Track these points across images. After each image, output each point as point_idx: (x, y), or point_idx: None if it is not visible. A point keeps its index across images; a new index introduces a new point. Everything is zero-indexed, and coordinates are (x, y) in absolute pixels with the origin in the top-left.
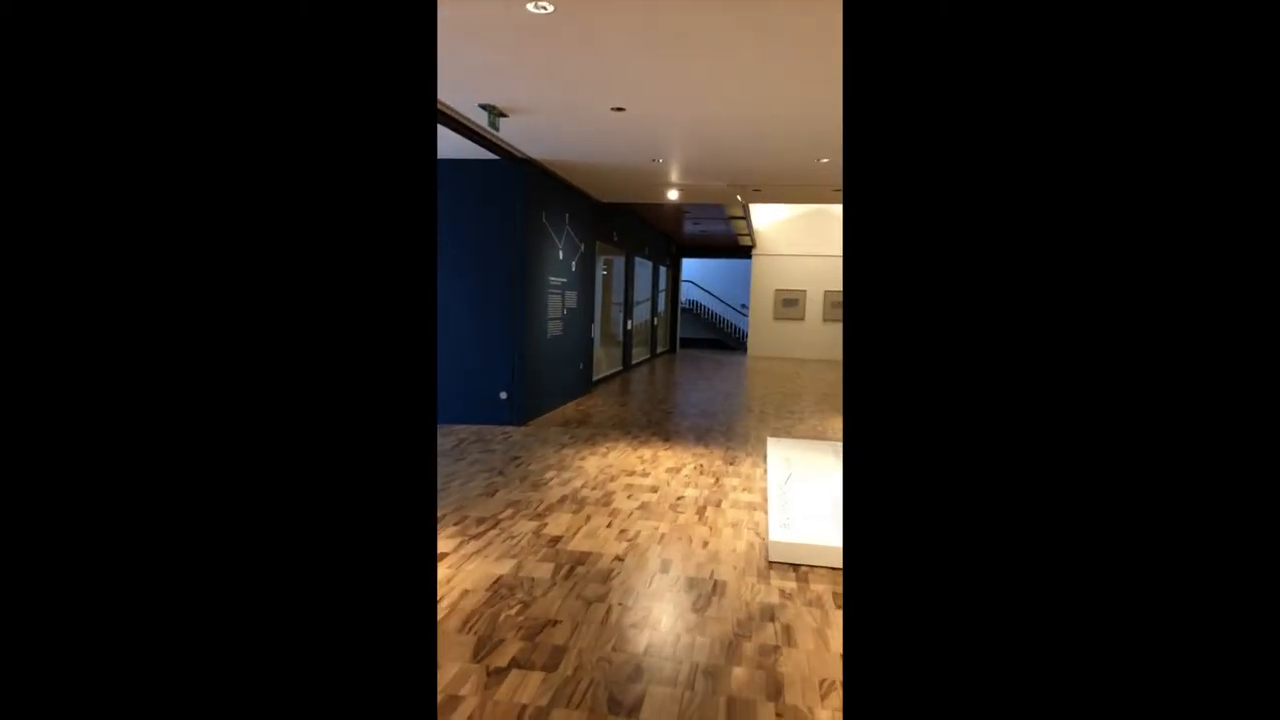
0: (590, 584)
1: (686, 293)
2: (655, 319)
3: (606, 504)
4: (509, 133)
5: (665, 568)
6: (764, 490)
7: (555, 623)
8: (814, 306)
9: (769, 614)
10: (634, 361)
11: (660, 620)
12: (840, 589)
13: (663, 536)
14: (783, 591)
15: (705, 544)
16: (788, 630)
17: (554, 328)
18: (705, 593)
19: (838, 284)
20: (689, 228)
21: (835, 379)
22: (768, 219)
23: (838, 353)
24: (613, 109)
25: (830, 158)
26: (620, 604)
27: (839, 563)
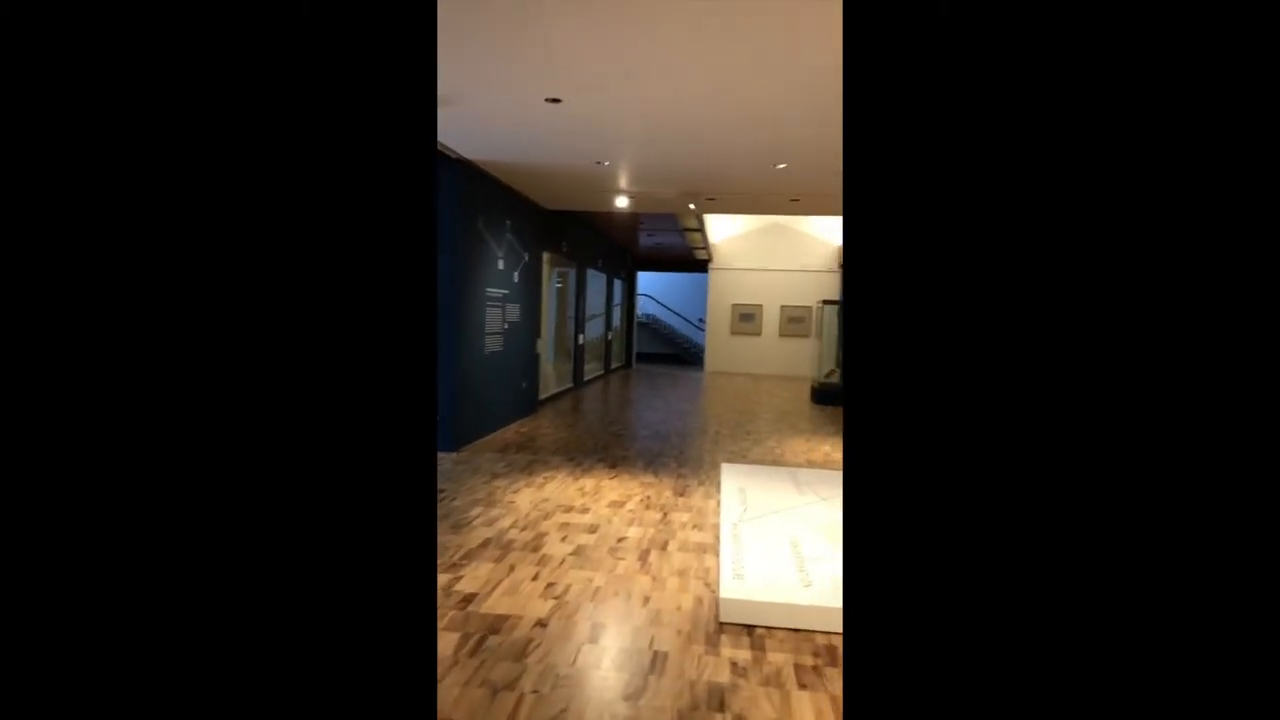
0: (501, 663)
1: (643, 307)
2: (610, 333)
3: (536, 549)
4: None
5: (596, 635)
6: (716, 527)
7: None
8: (770, 322)
9: (717, 699)
10: (586, 378)
11: (583, 715)
12: (802, 659)
13: (597, 591)
14: (735, 665)
15: (646, 600)
16: None
17: (493, 343)
18: (642, 670)
19: (793, 299)
20: (644, 240)
21: (791, 395)
22: (724, 233)
23: (793, 368)
24: (547, 100)
25: (788, 162)
26: (534, 691)
27: (799, 623)
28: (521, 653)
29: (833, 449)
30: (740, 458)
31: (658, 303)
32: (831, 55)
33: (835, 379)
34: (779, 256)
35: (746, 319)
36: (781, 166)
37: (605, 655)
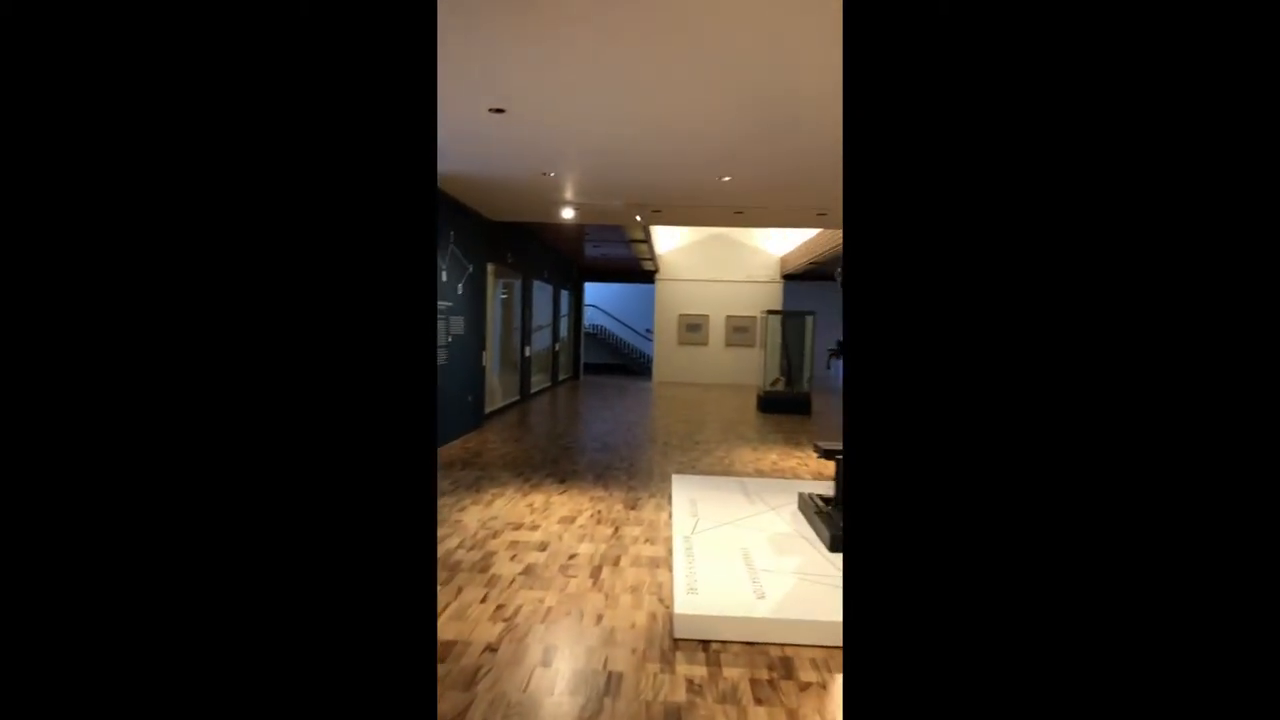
0: (449, 692)
1: (590, 317)
2: (557, 345)
3: (484, 569)
4: None
5: (548, 658)
6: (668, 540)
7: None
8: (716, 332)
9: (674, 719)
10: (533, 390)
11: None
12: (757, 673)
13: (549, 611)
14: (691, 683)
15: (599, 619)
16: None
17: (436, 356)
18: (596, 693)
19: (739, 309)
20: (590, 251)
21: (738, 405)
22: (669, 244)
23: (740, 377)
24: (491, 110)
25: (732, 175)
26: None
27: (754, 637)
28: (471, 681)
29: (780, 457)
30: (690, 468)
31: (605, 313)
32: (773, 73)
33: (780, 387)
34: (724, 268)
35: (693, 329)
36: (726, 179)
37: (558, 679)
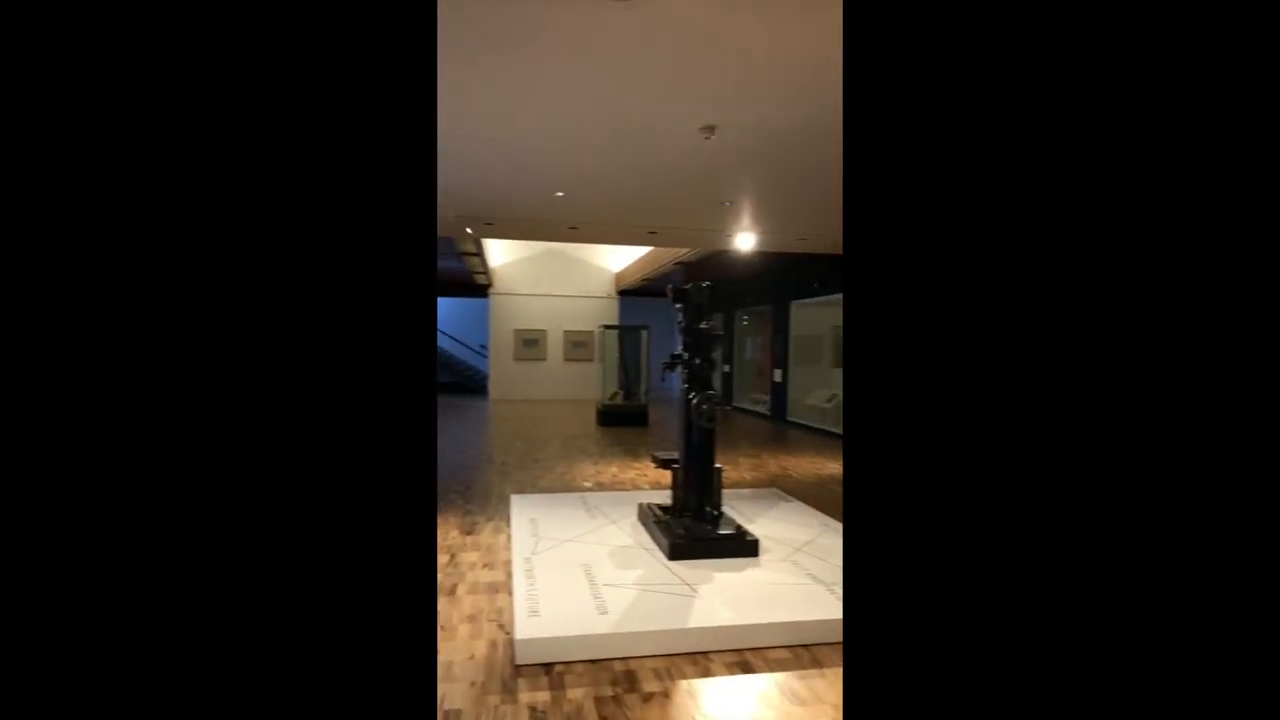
0: None
1: None
2: None
3: None
4: None
5: None
6: (508, 563)
7: None
8: (555, 347)
9: None
10: None
11: None
12: (601, 690)
13: None
14: (534, 709)
15: None
16: None
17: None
18: None
19: (577, 324)
20: None
21: (579, 419)
22: (504, 257)
23: (579, 392)
24: None
25: (566, 191)
26: None
27: (597, 653)
28: None
29: (620, 469)
30: (530, 487)
31: (436, 330)
32: (605, 94)
33: (618, 401)
34: (561, 282)
35: (531, 344)
36: (559, 194)
37: None
